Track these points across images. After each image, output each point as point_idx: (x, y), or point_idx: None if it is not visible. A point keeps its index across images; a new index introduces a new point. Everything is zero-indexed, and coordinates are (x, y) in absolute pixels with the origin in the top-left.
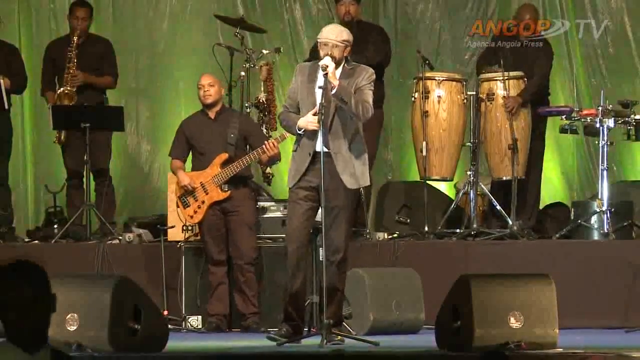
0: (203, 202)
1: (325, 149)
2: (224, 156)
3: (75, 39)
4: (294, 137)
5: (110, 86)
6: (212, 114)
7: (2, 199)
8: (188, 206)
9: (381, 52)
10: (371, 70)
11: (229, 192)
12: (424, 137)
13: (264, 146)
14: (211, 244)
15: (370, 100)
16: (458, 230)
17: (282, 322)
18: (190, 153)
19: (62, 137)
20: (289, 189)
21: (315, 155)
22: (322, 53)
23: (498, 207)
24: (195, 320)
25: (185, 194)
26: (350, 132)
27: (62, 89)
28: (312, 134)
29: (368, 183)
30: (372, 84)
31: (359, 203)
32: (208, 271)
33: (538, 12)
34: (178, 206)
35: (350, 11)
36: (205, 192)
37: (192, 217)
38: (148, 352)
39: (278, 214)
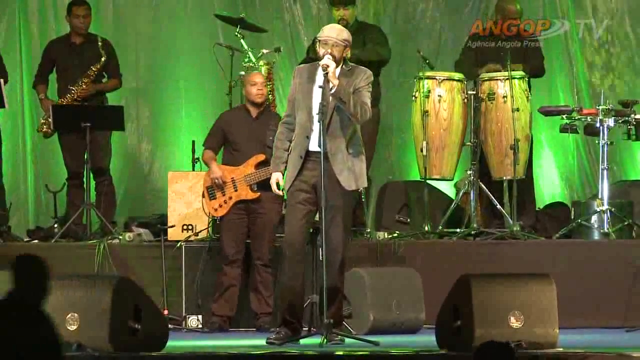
0: (230, 197)
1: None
2: (261, 157)
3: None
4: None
5: (117, 88)
6: (254, 112)
7: None
8: (214, 198)
9: (380, 50)
10: (369, 72)
11: (259, 193)
12: (424, 136)
13: None
14: (229, 243)
15: (369, 102)
16: (458, 230)
17: (279, 326)
18: (223, 146)
19: (48, 128)
20: (286, 191)
21: (309, 155)
22: (321, 52)
23: (498, 207)
24: (195, 320)
25: (214, 186)
26: (348, 133)
27: (68, 97)
28: (305, 135)
29: (366, 185)
30: (370, 85)
31: (358, 203)
32: (221, 271)
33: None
34: (204, 196)
35: (345, 15)
36: (234, 188)
37: (216, 210)
38: (148, 352)
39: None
